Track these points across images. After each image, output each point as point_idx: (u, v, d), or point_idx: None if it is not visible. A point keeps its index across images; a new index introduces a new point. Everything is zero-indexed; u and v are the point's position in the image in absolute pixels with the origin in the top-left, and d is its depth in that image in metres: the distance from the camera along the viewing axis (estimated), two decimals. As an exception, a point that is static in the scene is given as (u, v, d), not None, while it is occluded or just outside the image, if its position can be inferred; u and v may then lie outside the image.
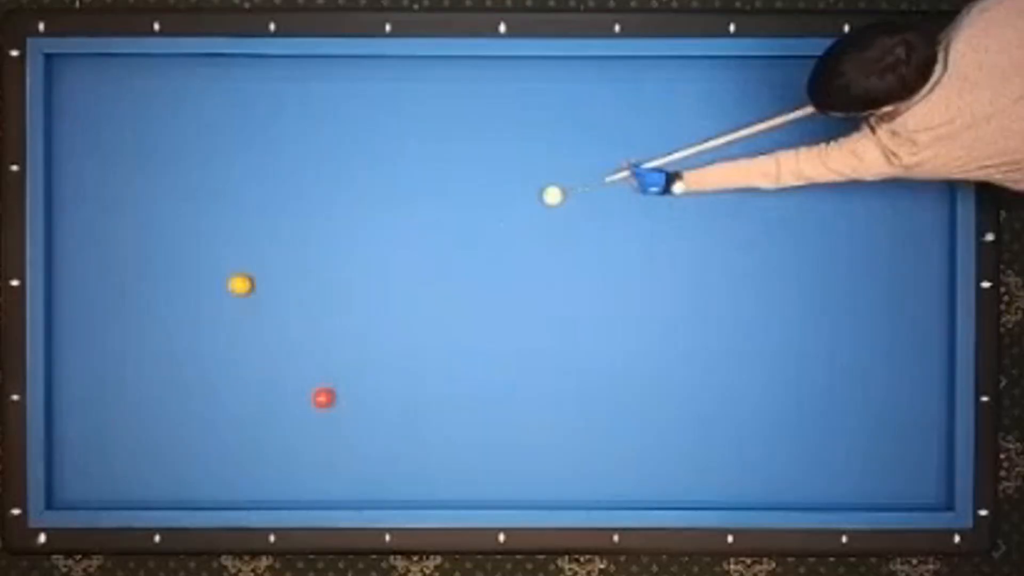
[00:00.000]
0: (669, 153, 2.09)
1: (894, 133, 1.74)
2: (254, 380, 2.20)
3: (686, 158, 2.09)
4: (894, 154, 1.77)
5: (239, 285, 2.16)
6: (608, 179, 2.13)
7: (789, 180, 1.94)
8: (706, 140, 2.09)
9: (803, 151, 1.91)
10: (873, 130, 1.79)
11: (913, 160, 1.75)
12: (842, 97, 1.67)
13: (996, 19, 1.64)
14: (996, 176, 1.79)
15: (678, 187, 2.07)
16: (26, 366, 2.16)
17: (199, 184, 2.18)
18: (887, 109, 1.68)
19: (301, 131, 2.19)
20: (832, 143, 1.87)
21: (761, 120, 2.06)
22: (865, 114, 1.72)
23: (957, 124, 1.68)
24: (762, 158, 1.97)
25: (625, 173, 2.12)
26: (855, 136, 1.83)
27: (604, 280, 2.20)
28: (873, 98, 1.65)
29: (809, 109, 1.88)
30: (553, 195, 2.14)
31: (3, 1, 2.36)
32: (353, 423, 2.20)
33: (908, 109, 1.69)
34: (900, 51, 1.60)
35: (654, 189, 2.08)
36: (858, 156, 1.82)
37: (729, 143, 2.07)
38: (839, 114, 1.73)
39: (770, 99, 2.13)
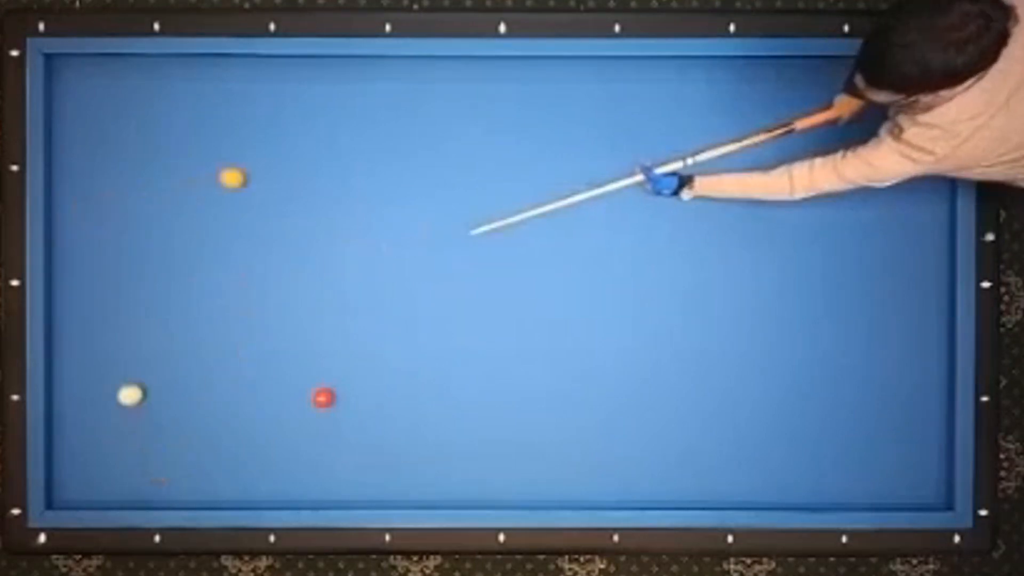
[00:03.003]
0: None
1: (929, 126, 1.61)
2: (254, 380, 2.19)
3: (699, 164, 2.09)
4: (926, 150, 1.65)
5: (231, 179, 2.14)
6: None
7: (803, 194, 1.92)
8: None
9: (817, 165, 1.88)
10: (895, 134, 1.70)
11: (946, 150, 1.62)
12: (904, 69, 1.46)
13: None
14: (1012, 172, 1.72)
15: (686, 194, 2.09)
16: (26, 366, 2.16)
17: (199, 184, 2.18)
18: (940, 94, 1.52)
19: (301, 131, 2.19)
20: (848, 153, 1.83)
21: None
22: (910, 100, 1.56)
23: (991, 112, 1.57)
24: (775, 173, 1.95)
25: (639, 176, 2.11)
26: (870, 145, 1.78)
27: (604, 280, 2.20)
28: (940, 74, 1.45)
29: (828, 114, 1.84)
30: (130, 395, 2.14)
31: (3, 1, 2.36)
32: (353, 423, 2.20)
33: (953, 98, 1.55)
34: (980, 21, 1.41)
35: (666, 192, 2.09)
36: (873, 166, 1.77)
37: (741, 149, 2.07)
38: (884, 96, 1.55)
39: (770, 99, 2.13)
